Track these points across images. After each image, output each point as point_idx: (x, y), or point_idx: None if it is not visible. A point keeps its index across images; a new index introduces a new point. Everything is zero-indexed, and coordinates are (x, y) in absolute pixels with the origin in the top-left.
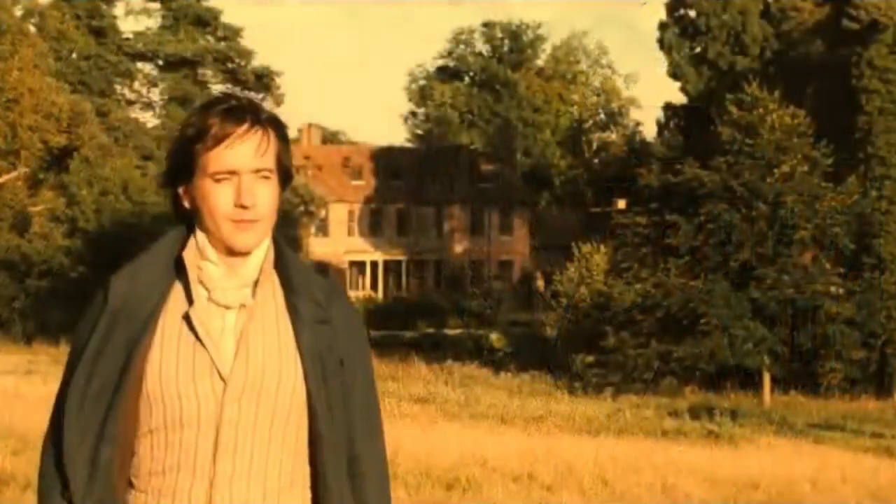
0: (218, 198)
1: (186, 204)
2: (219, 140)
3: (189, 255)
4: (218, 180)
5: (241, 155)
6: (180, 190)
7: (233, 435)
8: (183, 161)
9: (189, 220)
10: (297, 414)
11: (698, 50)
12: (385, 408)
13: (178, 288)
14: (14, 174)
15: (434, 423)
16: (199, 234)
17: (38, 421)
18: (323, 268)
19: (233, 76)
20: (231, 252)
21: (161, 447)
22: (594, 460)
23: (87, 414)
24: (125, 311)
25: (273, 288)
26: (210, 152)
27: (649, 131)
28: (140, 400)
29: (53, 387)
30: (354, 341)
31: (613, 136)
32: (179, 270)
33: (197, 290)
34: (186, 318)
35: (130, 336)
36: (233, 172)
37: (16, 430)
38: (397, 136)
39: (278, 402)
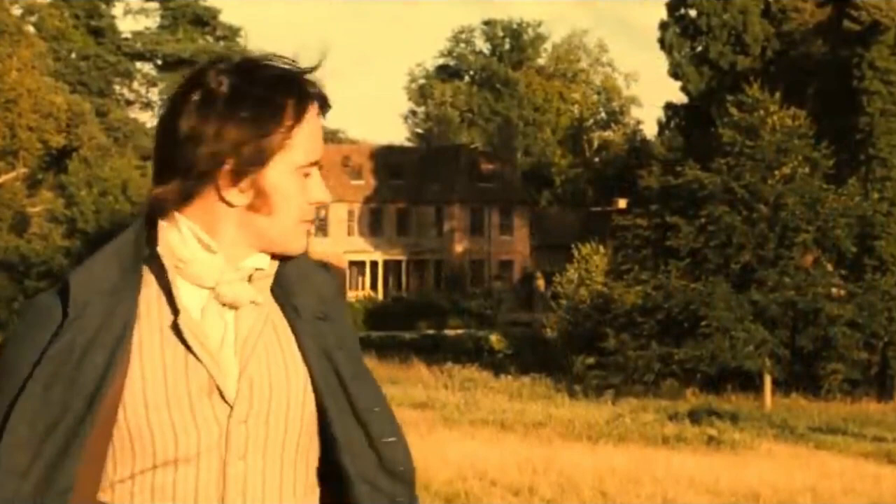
0: (305, 194)
1: (239, 197)
2: (311, 122)
3: (165, 249)
4: (306, 174)
5: (322, 142)
6: (223, 179)
7: (241, 469)
8: (258, 144)
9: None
10: (310, 434)
11: (699, 49)
12: None
13: (151, 292)
14: (13, 174)
15: (433, 430)
16: (186, 224)
17: None
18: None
19: None
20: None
21: (146, 494)
22: (594, 472)
23: (33, 459)
24: (88, 322)
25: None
26: (300, 136)
27: (650, 129)
28: (115, 439)
29: None
30: (354, 340)
31: (614, 136)
32: (153, 270)
33: (185, 290)
34: (175, 327)
35: (100, 356)
36: (315, 163)
37: None
38: (397, 135)
39: (290, 421)
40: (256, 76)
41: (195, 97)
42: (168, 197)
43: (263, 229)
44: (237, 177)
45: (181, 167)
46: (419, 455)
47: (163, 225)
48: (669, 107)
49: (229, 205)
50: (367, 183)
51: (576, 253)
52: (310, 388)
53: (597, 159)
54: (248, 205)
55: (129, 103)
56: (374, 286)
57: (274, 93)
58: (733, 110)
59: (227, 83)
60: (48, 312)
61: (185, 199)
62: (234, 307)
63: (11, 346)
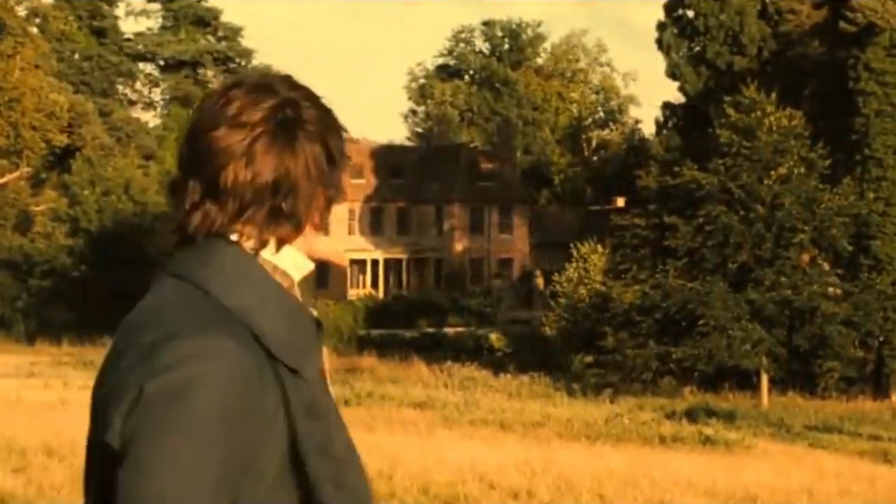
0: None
1: (322, 218)
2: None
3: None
4: None
5: None
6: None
7: None
8: (340, 172)
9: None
10: None
11: (696, 50)
12: (385, 413)
13: None
14: (17, 174)
15: (433, 430)
16: (290, 250)
17: (40, 434)
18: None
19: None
20: None
21: None
22: (592, 474)
23: None
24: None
25: None
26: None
27: (648, 127)
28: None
29: (55, 392)
30: None
31: (612, 135)
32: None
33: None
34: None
35: (273, 397)
36: None
37: (16, 445)
38: (398, 134)
39: None
40: (326, 108)
41: (294, 132)
42: (289, 229)
43: (314, 246)
44: (330, 201)
45: (303, 200)
46: (419, 456)
47: (266, 253)
48: (667, 106)
49: (315, 227)
50: (367, 182)
51: (574, 252)
52: None
53: (595, 158)
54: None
55: (131, 103)
56: (374, 284)
57: (338, 126)
58: (730, 111)
59: (326, 117)
60: (258, 358)
61: (301, 228)
62: None
63: (229, 401)
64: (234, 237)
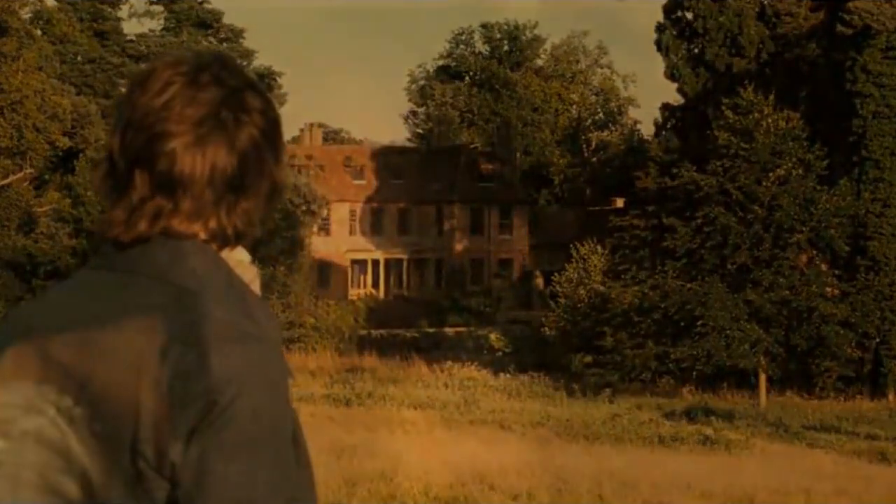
0: None
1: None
2: None
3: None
4: None
5: None
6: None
7: None
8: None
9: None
10: None
11: (695, 51)
12: (386, 413)
13: None
14: (20, 175)
15: (433, 431)
16: (242, 249)
17: None
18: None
19: None
20: None
21: None
22: (591, 475)
23: None
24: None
25: None
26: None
27: (647, 129)
28: None
29: None
30: None
31: (612, 136)
32: None
33: None
34: None
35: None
36: None
37: None
38: (398, 135)
39: None
40: (267, 96)
41: (241, 122)
42: (247, 223)
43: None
44: (274, 194)
45: (255, 193)
46: (420, 457)
47: (231, 251)
48: (666, 108)
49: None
50: (368, 183)
51: (574, 252)
52: None
53: (595, 159)
54: None
55: None
56: (375, 284)
57: (278, 116)
58: (728, 113)
59: (270, 108)
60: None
61: (256, 222)
62: None
63: (284, 402)
64: (202, 235)
